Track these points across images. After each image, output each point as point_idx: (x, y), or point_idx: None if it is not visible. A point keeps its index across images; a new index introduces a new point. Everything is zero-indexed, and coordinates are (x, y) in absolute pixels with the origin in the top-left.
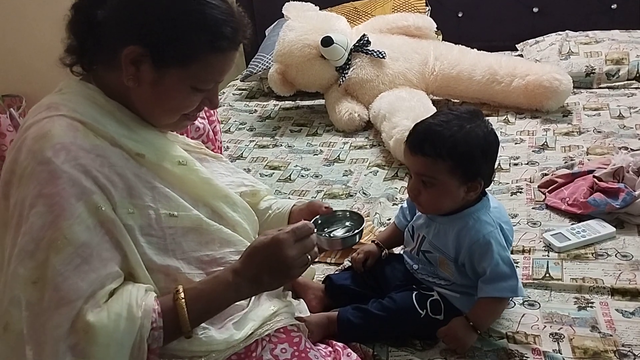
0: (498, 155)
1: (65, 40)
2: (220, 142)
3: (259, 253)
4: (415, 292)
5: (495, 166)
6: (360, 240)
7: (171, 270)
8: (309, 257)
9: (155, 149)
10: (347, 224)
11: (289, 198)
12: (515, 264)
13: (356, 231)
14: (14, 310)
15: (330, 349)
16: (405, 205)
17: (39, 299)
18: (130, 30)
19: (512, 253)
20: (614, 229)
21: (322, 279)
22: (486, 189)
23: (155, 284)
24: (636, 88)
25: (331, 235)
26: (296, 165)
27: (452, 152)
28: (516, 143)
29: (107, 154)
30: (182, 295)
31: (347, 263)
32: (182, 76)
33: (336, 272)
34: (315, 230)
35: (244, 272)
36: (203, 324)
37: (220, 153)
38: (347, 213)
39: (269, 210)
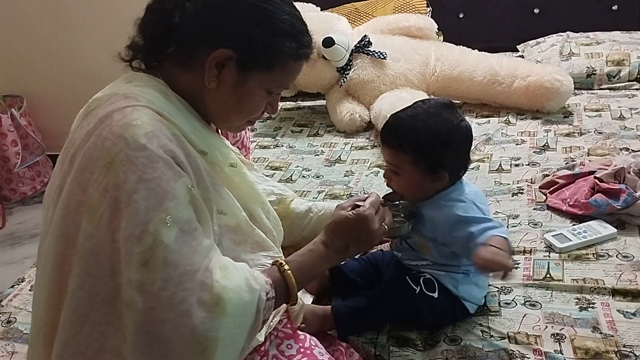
0: (472, 147)
1: (132, 37)
2: (250, 149)
3: (346, 228)
4: (407, 275)
5: (469, 157)
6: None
7: None
8: (385, 226)
9: (214, 148)
10: (398, 214)
11: None
12: (516, 264)
13: (409, 221)
14: (132, 292)
15: (333, 347)
16: None
17: (153, 279)
18: (218, 34)
19: (512, 254)
20: (615, 230)
21: None
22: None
23: None
24: (637, 89)
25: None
26: (297, 166)
27: (413, 145)
28: (517, 144)
29: (184, 144)
30: (287, 267)
31: None
32: (263, 80)
33: None
34: None
35: (332, 244)
36: None
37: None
38: (399, 204)
39: (309, 213)
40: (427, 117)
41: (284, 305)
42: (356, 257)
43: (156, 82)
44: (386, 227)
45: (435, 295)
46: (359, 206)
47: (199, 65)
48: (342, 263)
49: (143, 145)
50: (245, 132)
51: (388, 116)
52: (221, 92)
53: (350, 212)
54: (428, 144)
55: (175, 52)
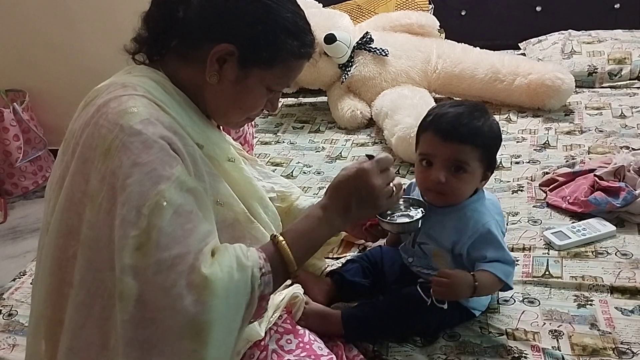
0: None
1: (137, 30)
2: (253, 146)
3: (345, 185)
4: (417, 285)
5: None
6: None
7: None
8: (394, 188)
9: (212, 142)
10: (408, 210)
11: None
12: (515, 261)
13: (419, 217)
14: (126, 279)
15: (332, 342)
16: None
17: (147, 264)
18: (221, 29)
19: (512, 250)
20: (615, 228)
21: (326, 274)
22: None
23: None
24: (638, 88)
25: (391, 219)
26: (298, 162)
27: (483, 141)
28: (518, 141)
29: (181, 133)
30: (282, 238)
31: (349, 255)
32: (264, 77)
33: (339, 266)
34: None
35: (332, 206)
36: None
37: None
38: (410, 200)
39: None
40: (482, 115)
41: (284, 300)
42: (354, 256)
43: (155, 74)
44: (394, 188)
45: (445, 306)
46: None
47: (200, 60)
48: (342, 268)
49: (138, 131)
50: (248, 128)
51: (425, 112)
52: (221, 88)
53: (351, 169)
54: (494, 141)
55: (177, 45)
